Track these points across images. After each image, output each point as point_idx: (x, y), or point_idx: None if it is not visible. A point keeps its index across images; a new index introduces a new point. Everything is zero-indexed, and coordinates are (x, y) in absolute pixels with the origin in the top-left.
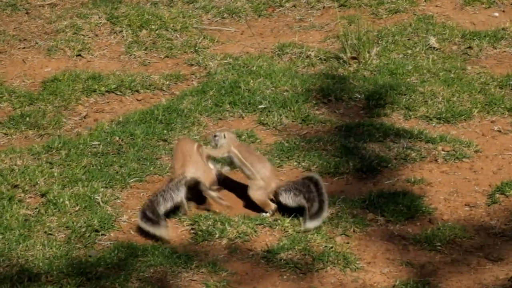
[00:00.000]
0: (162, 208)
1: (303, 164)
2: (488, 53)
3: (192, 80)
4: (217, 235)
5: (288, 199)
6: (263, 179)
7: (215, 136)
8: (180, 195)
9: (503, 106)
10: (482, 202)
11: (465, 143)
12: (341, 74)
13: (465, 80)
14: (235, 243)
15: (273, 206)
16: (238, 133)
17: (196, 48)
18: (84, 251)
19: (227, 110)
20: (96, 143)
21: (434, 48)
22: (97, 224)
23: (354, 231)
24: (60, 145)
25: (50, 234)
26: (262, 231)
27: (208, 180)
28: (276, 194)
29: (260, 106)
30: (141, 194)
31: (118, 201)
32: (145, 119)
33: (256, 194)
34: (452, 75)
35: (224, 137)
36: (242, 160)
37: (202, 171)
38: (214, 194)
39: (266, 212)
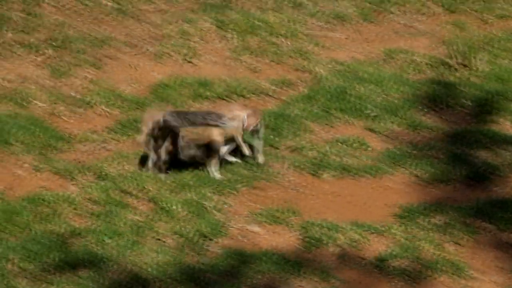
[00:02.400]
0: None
1: (415, 172)
2: None
3: (300, 86)
4: (326, 242)
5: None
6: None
7: None
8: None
9: None
10: None
11: None
12: (449, 81)
13: None
14: (345, 250)
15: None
16: (345, 139)
17: (303, 53)
18: (195, 258)
19: (335, 116)
20: None
21: None
22: (206, 231)
23: (463, 238)
24: None
25: (160, 240)
26: (371, 238)
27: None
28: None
29: (368, 112)
30: (250, 200)
31: (227, 207)
32: None
33: None
34: None
35: None
36: None
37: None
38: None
39: None
